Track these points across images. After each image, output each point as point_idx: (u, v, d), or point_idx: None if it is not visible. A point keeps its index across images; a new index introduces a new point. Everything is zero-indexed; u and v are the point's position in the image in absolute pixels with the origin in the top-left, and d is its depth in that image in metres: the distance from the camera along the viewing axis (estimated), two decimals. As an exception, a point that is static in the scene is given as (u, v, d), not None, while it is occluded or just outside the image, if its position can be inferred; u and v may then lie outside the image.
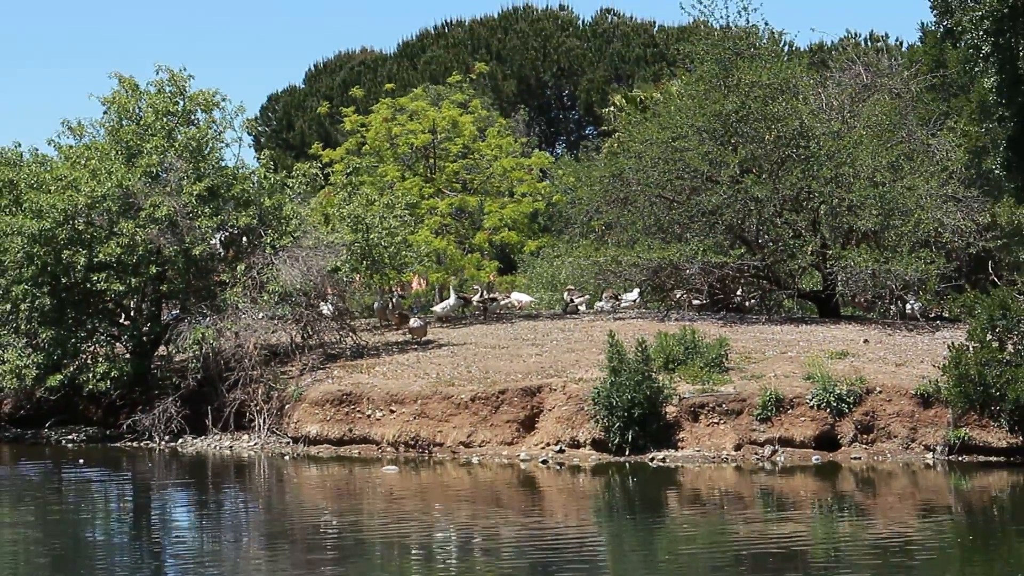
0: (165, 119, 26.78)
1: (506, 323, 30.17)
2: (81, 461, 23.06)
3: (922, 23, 43.36)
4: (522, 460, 22.10)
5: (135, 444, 25.05)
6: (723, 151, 28.94)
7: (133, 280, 25.50)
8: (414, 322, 28.30)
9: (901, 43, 46.75)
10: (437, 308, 32.16)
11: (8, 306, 25.49)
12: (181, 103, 27.20)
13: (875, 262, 27.13)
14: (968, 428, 21.16)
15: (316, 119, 54.73)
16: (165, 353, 26.85)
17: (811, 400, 21.81)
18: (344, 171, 32.02)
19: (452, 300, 31.94)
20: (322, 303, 27.24)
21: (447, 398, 23.25)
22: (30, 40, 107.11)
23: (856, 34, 48.82)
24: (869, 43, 47.34)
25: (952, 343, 21.34)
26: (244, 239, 26.94)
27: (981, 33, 31.75)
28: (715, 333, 24.83)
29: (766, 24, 31.71)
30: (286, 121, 60.09)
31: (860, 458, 21.28)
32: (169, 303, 27.70)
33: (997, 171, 33.30)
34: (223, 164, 27.20)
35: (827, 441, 21.71)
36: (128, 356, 26.36)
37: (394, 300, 32.15)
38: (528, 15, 61.62)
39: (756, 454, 21.56)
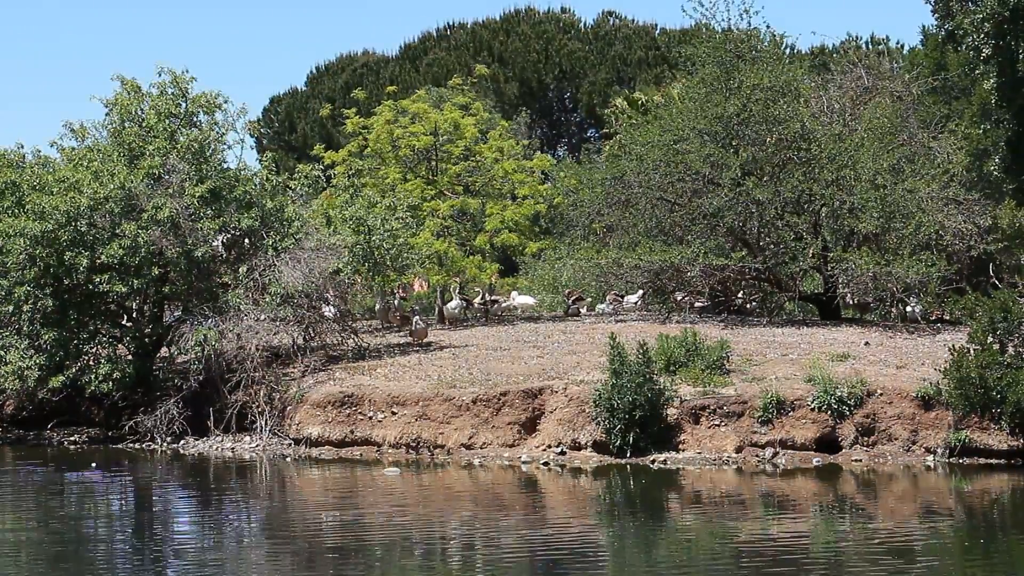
0: (167, 121, 26.84)
1: (507, 325, 30.22)
2: (94, 464, 23.06)
3: (923, 26, 43.44)
4: (523, 462, 22.13)
5: (137, 445, 25.08)
6: (724, 154, 28.96)
7: (135, 281, 25.54)
8: (415, 324, 28.33)
9: (902, 46, 46.71)
10: (451, 305, 32.02)
11: (11, 307, 25.52)
12: (183, 105, 27.25)
13: (876, 265, 27.15)
14: (969, 430, 21.18)
15: (318, 121, 54.70)
16: (167, 354, 26.89)
17: (812, 402, 21.84)
18: (346, 173, 32.03)
19: (454, 302, 31.96)
20: (324, 305, 27.28)
21: (448, 400, 23.28)
22: (32, 42, 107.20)
23: (857, 37, 48.80)
24: (870, 46, 47.33)
25: (953, 346, 21.36)
26: (246, 241, 26.97)
27: (982, 36, 31.83)
28: (716, 335, 24.86)
29: (767, 27, 31.62)
30: (288, 123, 60.12)
31: (861, 460, 21.31)
32: (171, 305, 27.73)
33: (997, 173, 33.36)
34: (225, 166, 27.29)
35: (828, 443, 21.74)
36: (130, 357, 26.39)
37: (396, 302, 32.18)
38: (530, 18, 61.62)
39: (757, 456, 21.60)
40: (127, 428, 25.53)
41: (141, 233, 25.23)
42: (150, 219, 25.32)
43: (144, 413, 25.38)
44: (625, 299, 32.12)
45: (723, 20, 31.44)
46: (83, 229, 25.31)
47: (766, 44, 31.26)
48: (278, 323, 25.69)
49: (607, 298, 32.57)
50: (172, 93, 27.18)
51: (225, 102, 27.44)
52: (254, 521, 18.80)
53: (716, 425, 21.96)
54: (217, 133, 27.21)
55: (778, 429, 21.78)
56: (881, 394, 21.88)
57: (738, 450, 21.69)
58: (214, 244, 26.37)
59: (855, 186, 28.08)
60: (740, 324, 28.12)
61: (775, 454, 21.61)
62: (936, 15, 35.01)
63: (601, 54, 58.92)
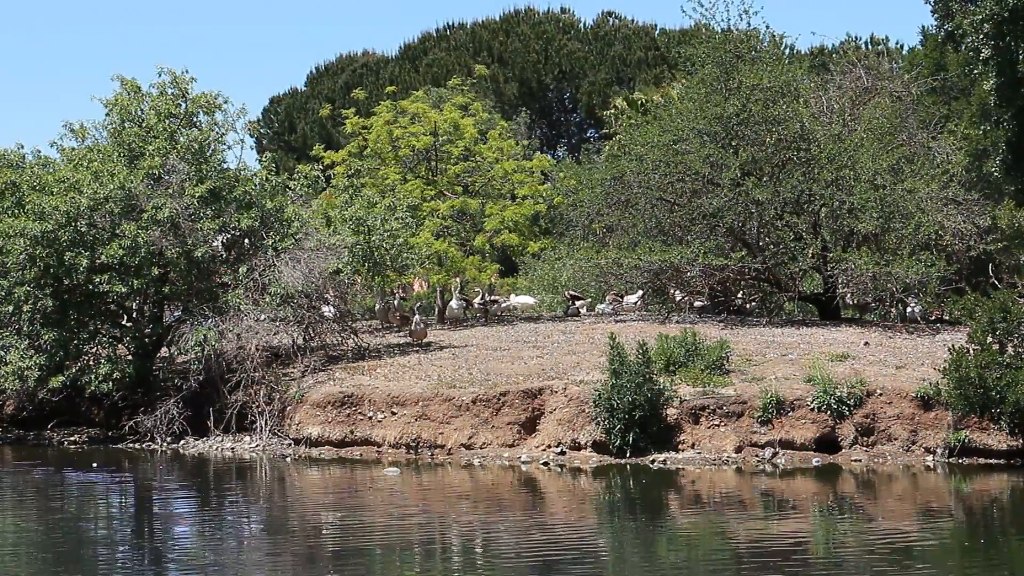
0: (167, 121, 26.87)
1: (507, 325, 30.21)
2: (95, 465, 23.05)
3: (923, 26, 43.48)
4: (523, 462, 22.13)
5: (137, 445, 25.09)
6: (724, 154, 28.96)
7: (135, 282, 25.55)
8: (415, 324, 28.33)
9: (902, 46, 46.74)
10: (451, 305, 32.00)
11: (11, 307, 25.54)
12: (183, 105, 27.27)
13: (876, 265, 27.16)
14: (968, 431, 21.18)
15: (318, 121, 54.75)
16: (167, 355, 26.90)
17: (812, 402, 21.83)
18: (346, 173, 32.04)
19: (455, 302, 31.99)
20: (324, 305, 27.28)
21: (448, 400, 23.28)
22: (32, 42, 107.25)
23: (857, 37, 48.86)
24: (870, 46, 47.36)
25: (952, 346, 21.36)
26: (246, 241, 26.98)
27: (981, 36, 31.85)
28: (716, 335, 24.85)
29: (767, 27, 31.68)
30: (288, 123, 60.13)
31: (860, 460, 21.31)
32: (171, 305, 27.74)
33: (996, 174, 33.38)
34: (225, 166, 27.31)
35: (828, 443, 21.74)
36: (130, 358, 26.40)
37: (395, 302, 32.16)
38: (530, 18, 61.64)
39: (757, 456, 21.59)
40: (127, 428, 25.54)
41: (141, 233, 25.24)
42: (150, 219, 25.33)
43: (144, 413, 25.39)
44: (625, 299, 32.12)
45: (723, 20, 31.52)
46: (83, 229, 25.32)
47: (766, 44, 31.29)
48: (278, 323, 25.69)
49: (607, 298, 32.57)
50: (172, 93, 27.21)
51: (225, 102, 27.52)
52: (254, 521, 18.78)
53: (716, 425, 21.96)
54: (217, 133, 27.24)
55: (777, 429, 21.78)
56: (881, 394, 21.88)
57: (738, 450, 21.69)
58: (214, 244, 26.38)
59: (855, 186, 28.08)
60: (740, 324, 28.11)
61: (775, 454, 21.61)
62: (936, 15, 35.06)
63: (601, 54, 58.93)
